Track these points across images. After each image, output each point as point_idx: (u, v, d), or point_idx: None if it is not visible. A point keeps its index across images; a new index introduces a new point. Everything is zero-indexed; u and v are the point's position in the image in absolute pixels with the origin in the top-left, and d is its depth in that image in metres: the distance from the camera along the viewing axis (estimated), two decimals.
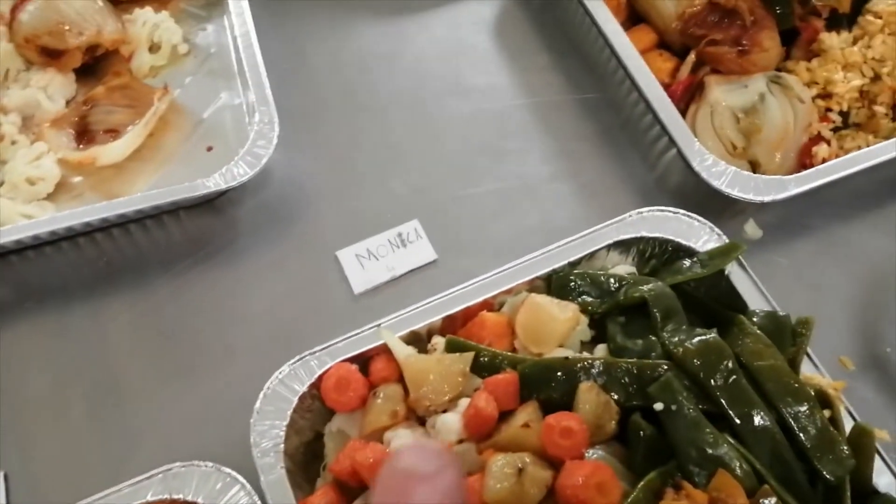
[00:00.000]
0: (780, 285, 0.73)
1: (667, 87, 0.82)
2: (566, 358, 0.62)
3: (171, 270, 0.78)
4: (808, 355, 0.65)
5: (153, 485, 0.60)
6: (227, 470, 0.60)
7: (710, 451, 0.57)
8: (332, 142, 0.88)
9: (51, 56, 0.88)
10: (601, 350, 0.65)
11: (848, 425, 0.62)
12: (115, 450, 0.69)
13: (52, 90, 0.87)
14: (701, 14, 0.81)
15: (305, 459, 0.66)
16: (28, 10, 0.88)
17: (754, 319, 0.66)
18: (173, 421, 0.71)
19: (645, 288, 0.65)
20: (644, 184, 0.85)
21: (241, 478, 0.60)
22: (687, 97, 0.83)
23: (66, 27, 0.88)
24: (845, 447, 0.59)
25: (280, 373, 0.64)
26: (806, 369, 0.65)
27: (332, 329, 0.73)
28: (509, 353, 0.64)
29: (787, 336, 0.65)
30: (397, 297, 0.78)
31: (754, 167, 0.81)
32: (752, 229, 0.80)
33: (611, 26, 0.85)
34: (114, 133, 0.85)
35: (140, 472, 0.61)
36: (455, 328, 0.69)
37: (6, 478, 0.68)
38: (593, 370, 0.61)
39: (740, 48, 0.80)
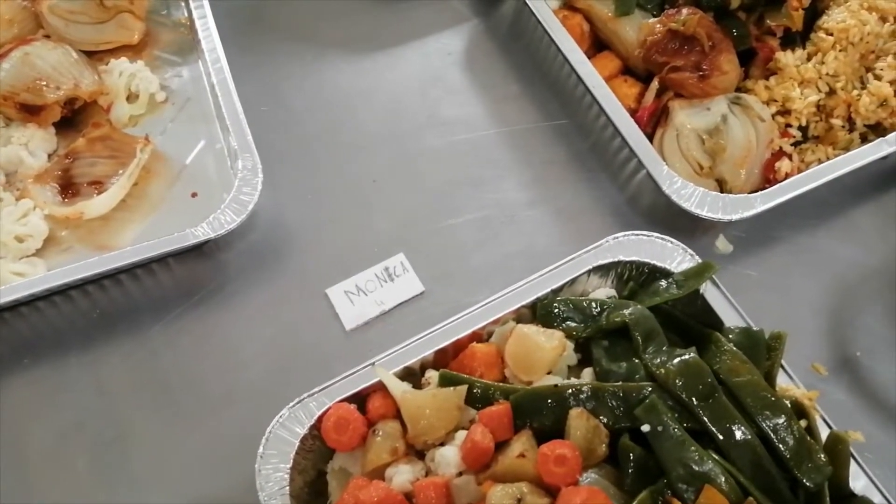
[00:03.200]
0: (751, 297, 0.76)
1: (633, 112, 0.86)
2: (555, 386, 0.65)
3: (164, 318, 0.80)
4: (783, 367, 0.69)
5: None
6: None
7: (696, 468, 0.60)
8: (314, 181, 0.90)
9: (30, 112, 0.89)
10: (588, 374, 0.68)
11: (823, 432, 0.66)
12: (121, 499, 0.71)
13: (33, 146, 0.89)
14: (662, 41, 0.85)
15: (309, 498, 0.68)
16: (4, 67, 0.89)
17: (730, 336, 0.69)
18: (177, 467, 0.72)
19: (626, 312, 0.68)
20: (617, 205, 0.89)
21: None
22: (653, 122, 0.86)
23: (44, 83, 0.89)
24: (822, 455, 0.62)
25: (281, 416, 0.66)
26: (781, 380, 0.69)
27: (327, 366, 0.76)
28: (501, 384, 0.66)
29: (762, 350, 0.68)
30: (388, 330, 0.81)
31: (721, 185, 0.84)
32: (722, 244, 0.84)
33: (575, 55, 0.88)
34: (98, 185, 0.86)
35: None
36: (447, 361, 0.71)
37: None
38: (582, 395, 0.64)
39: (701, 73, 0.84)
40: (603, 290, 0.75)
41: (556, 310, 0.72)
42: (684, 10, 0.86)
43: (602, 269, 0.75)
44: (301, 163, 0.91)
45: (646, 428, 0.61)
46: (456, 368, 0.69)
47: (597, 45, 0.94)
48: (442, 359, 0.71)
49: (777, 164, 0.85)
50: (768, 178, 0.85)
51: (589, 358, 0.70)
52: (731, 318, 0.72)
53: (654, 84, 0.86)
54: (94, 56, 0.97)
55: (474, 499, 0.60)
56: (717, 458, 0.61)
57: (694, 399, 0.63)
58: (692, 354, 0.65)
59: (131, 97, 0.94)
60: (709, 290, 0.73)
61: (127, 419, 0.75)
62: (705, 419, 0.62)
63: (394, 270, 0.84)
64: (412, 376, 0.71)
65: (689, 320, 0.72)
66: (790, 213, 0.85)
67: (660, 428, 0.61)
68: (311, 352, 0.79)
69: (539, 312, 0.72)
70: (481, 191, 0.89)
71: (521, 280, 0.74)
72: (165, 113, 0.94)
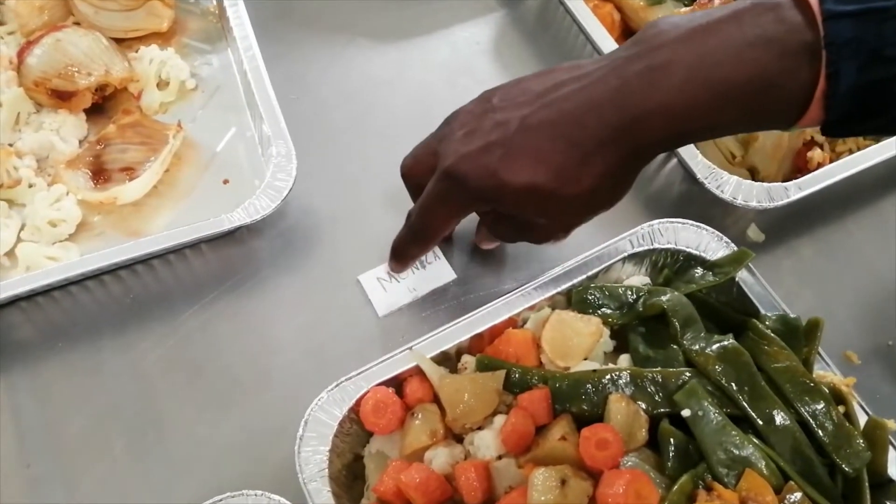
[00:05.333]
0: (784, 285, 0.77)
1: None
2: (594, 371, 0.65)
3: (198, 303, 0.80)
4: (819, 354, 0.69)
5: None
6: (277, 497, 0.62)
7: (737, 452, 0.60)
8: (344, 169, 0.90)
9: (61, 98, 0.89)
10: (624, 360, 0.68)
11: (861, 419, 0.66)
12: (159, 483, 0.71)
13: (64, 132, 0.89)
14: None
15: (347, 481, 0.68)
16: (35, 53, 0.90)
17: (766, 323, 0.69)
18: (214, 452, 0.73)
19: (663, 298, 0.68)
20: (646, 195, 0.89)
21: None
22: None
23: (75, 69, 0.89)
24: (861, 440, 0.62)
25: (319, 399, 0.67)
26: (817, 367, 0.69)
27: (360, 352, 0.77)
28: (539, 369, 0.67)
29: (800, 338, 0.68)
30: (421, 317, 0.81)
31: (753, 174, 0.84)
32: (754, 233, 0.84)
33: (608, 43, 0.89)
34: (129, 171, 0.86)
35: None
36: (482, 346, 0.72)
37: None
38: (620, 381, 0.64)
39: None
40: (637, 278, 0.76)
41: (592, 297, 0.72)
42: (716, 0, 0.86)
43: (637, 257, 0.75)
44: (331, 151, 0.92)
45: (686, 413, 0.62)
46: (491, 354, 0.69)
47: (626, 34, 0.94)
48: (477, 344, 0.72)
49: (809, 154, 0.85)
50: (799, 167, 0.85)
51: (624, 345, 0.70)
52: (765, 305, 0.72)
53: None
54: (122, 43, 0.97)
55: (514, 481, 0.61)
56: (757, 442, 0.61)
57: (734, 384, 0.63)
58: (731, 341, 0.65)
59: (161, 84, 0.94)
60: (744, 278, 0.73)
61: (162, 403, 0.76)
62: (745, 404, 0.63)
63: (426, 258, 0.84)
64: (448, 361, 0.71)
65: (724, 308, 0.72)
66: (820, 202, 0.85)
67: (700, 413, 0.62)
68: (344, 338, 0.80)
69: (574, 299, 0.72)
70: None
71: (552, 267, 0.74)
72: (195, 100, 0.95)
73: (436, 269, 0.83)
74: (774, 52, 0.53)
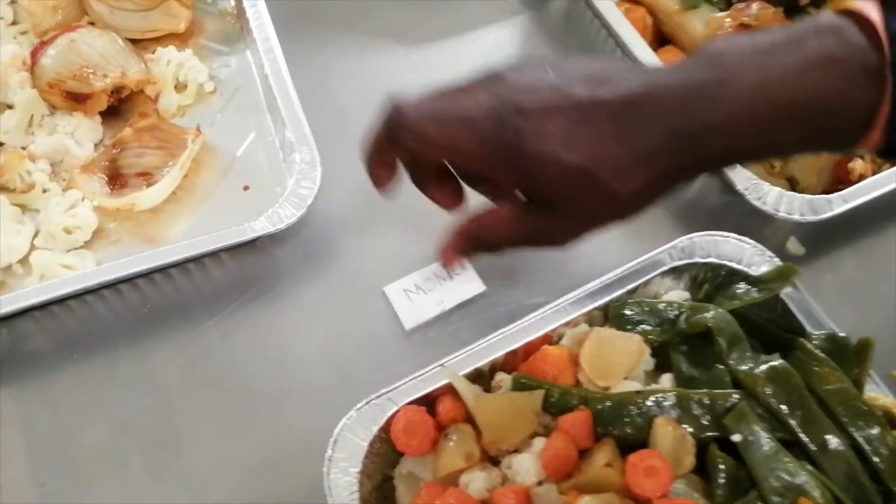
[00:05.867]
0: (825, 301, 0.73)
1: None
2: (638, 392, 0.62)
3: (217, 314, 0.78)
4: (870, 375, 0.66)
5: None
6: None
7: (790, 479, 0.57)
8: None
9: (76, 100, 0.87)
10: (667, 380, 0.65)
11: None
12: (177, 500, 0.68)
13: (79, 135, 0.86)
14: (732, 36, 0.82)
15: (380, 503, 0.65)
16: (49, 54, 0.87)
17: (814, 342, 0.66)
18: (235, 469, 0.70)
19: (708, 315, 0.65)
20: (680, 206, 0.86)
21: None
22: None
23: (91, 70, 0.87)
24: None
25: (349, 418, 0.64)
26: (867, 389, 0.66)
27: (387, 367, 0.74)
28: (579, 389, 0.64)
29: (850, 357, 0.65)
30: (449, 330, 0.78)
31: (792, 184, 0.82)
32: (794, 246, 0.81)
33: (641, 50, 0.86)
34: (146, 176, 0.84)
35: None
36: (516, 363, 0.69)
37: None
38: (666, 403, 0.61)
39: None
40: (676, 293, 0.73)
41: (630, 312, 0.69)
42: (755, 5, 0.83)
43: (676, 271, 0.72)
44: (354, 157, 0.87)
45: (737, 437, 0.59)
46: (526, 371, 0.66)
47: (659, 39, 0.92)
48: (511, 361, 0.69)
49: (850, 165, 0.82)
50: (840, 178, 0.83)
51: (664, 363, 0.68)
52: (811, 323, 0.69)
53: None
54: (138, 44, 0.94)
55: None
56: (811, 469, 0.58)
57: (784, 407, 0.60)
58: (781, 361, 0.62)
59: (179, 87, 0.92)
60: (788, 294, 0.70)
61: (179, 417, 0.73)
62: (797, 429, 0.60)
63: (453, 269, 0.81)
64: (481, 378, 0.68)
65: (768, 325, 0.69)
66: (862, 214, 0.82)
67: (751, 437, 0.59)
68: (370, 352, 0.77)
69: (612, 315, 0.69)
70: None
71: (584, 281, 0.72)
72: (214, 104, 0.92)
73: (464, 281, 0.80)
74: (837, 74, 0.52)
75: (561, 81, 0.59)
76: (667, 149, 0.56)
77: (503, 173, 0.60)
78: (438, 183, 0.65)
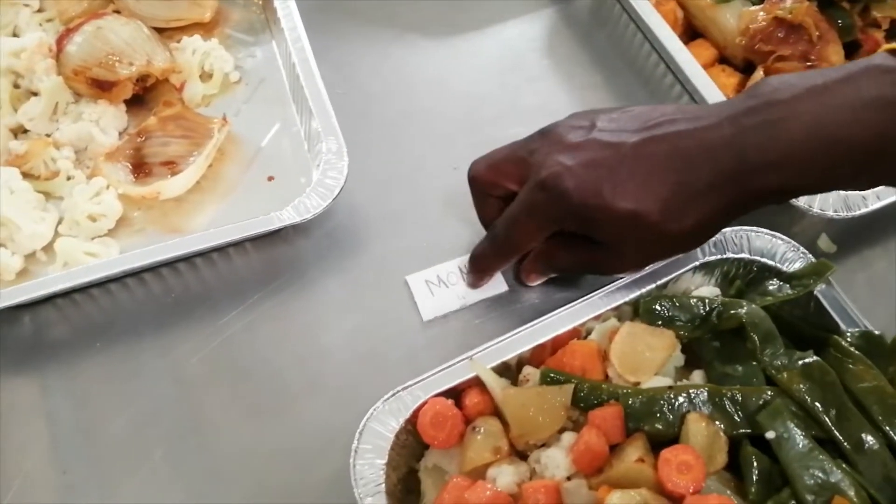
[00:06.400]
0: (857, 299, 0.72)
1: None
2: (670, 387, 0.61)
3: (242, 304, 0.77)
4: None
5: None
6: None
7: (825, 477, 0.56)
8: (393, 167, 0.87)
9: (101, 88, 0.86)
10: (698, 376, 0.64)
11: None
12: (201, 492, 0.68)
13: (104, 123, 0.86)
14: (767, 30, 0.81)
15: (402, 496, 0.64)
16: (75, 41, 0.87)
17: (848, 339, 0.65)
18: (259, 462, 0.69)
19: (741, 311, 0.64)
20: None
21: None
22: None
23: (116, 58, 0.86)
24: None
25: (375, 409, 0.63)
26: None
27: (410, 358, 0.74)
28: (609, 384, 0.63)
29: (884, 356, 0.64)
30: (468, 326, 0.77)
31: None
32: (825, 243, 0.80)
33: (673, 43, 0.85)
34: (170, 165, 0.83)
35: None
36: (543, 357, 0.68)
37: None
38: (698, 399, 0.60)
39: (808, 63, 0.80)
40: (707, 289, 0.72)
41: (660, 308, 0.68)
42: (788, 0, 0.82)
43: (707, 267, 0.71)
44: (379, 148, 0.88)
45: (770, 435, 0.58)
46: (554, 366, 0.66)
47: (689, 33, 0.91)
48: (539, 355, 0.68)
49: None
50: None
51: (693, 360, 0.67)
52: (845, 321, 0.68)
53: (759, 73, 0.82)
54: (164, 33, 0.94)
55: (587, 503, 0.57)
56: (846, 467, 0.57)
57: (819, 405, 0.59)
58: (815, 358, 0.61)
59: (204, 76, 0.91)
60: (822, 292, 0.69)
61: (204, 408, 0.72)
62: (832, 427, 0.59)
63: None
64: (508, 372, 0.67)
65: (800, 322, 0.68)
66: (893, 212, 0.81)
67: (785, 435, 0.58)
68: (392, 343, 0.76)
69: (642, 310, 0.68)
70: None
71: (605, 283, 0.71)
72: (238, 94, 0.91)
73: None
74: (891, 114, 0.55)
75: (609, 132, 0.64)
76: (717, 188, 0.59)
77: (556, 223, 0.66)
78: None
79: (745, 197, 0.60)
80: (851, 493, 0.56)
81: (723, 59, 0.88)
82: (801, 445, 0.57)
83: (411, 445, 0.65)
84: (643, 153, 0.61)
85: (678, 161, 0.60)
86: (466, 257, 0.78)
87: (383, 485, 0.60)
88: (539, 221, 0.67)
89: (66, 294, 0.76)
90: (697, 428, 0.58)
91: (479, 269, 0.76)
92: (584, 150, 0.63)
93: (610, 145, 0.63)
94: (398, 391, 0.64)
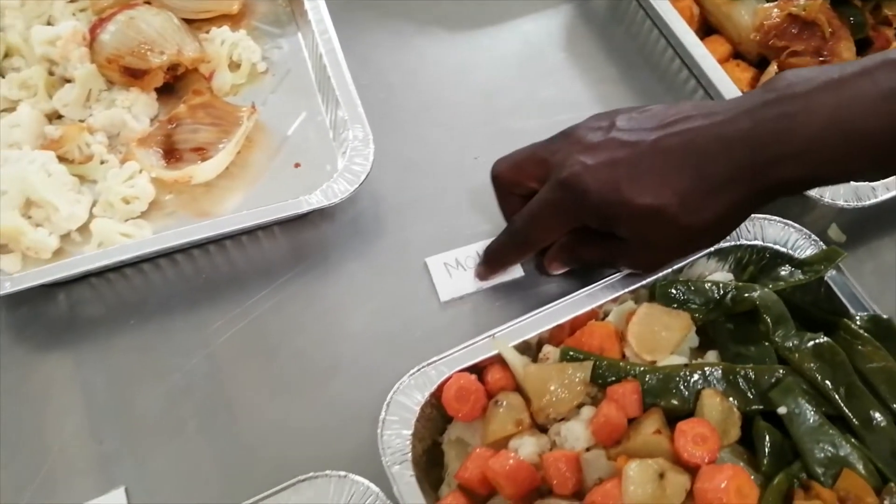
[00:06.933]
0: (866, 288, 0.75)
1: None
2: (686, 365, 0.64)
3: (269, 286, 0.80)
4: None
5: (288, 496, 0.61)
6: (360, 478, 0.62)
7: (835, 451, 0.59)
8: (415, 155, 0.90)
9: (133, 76, 0.89)
10: (712, 356, 0.67)
11: None
12: (233, 464, 0.70)
13: (136, 109, 0.89)
14: (781, 26, 0.84)
15: (427, 467, 0.67)
16: (109, 30, 0.89)
17: (857, 322, 0.68)
18: (287, 435, 0.72)
19: (755, 295, 0.67)
20: None
21: (374, 486, 0.61)
22: None
23: (148, 47, 0.89)
24: None
25: (401, 383, 0.66)
26: None
27: (424, 338, 0.77)
28: (626, 362, 0.65)
29: (893, 339, 0.67)
30: (484, 308, 0.80)
31: None
32: (835, 233, 0.83)
33: (689, 37, 0.87)
34: (200, 151, 0.86)
35: (263, 484, 0.62)
36: (562, 337, 0.70)
37: (127, 492, 0.69)
38: (712, 376, 0.63)
39: (821, 58, 0.83)
40: (720, 275, 0.74)
41: (676, 291, 0.70)
42: None
43: (721, 253, 0.74)
44: (401, 137, 0.91)
45: (782, 410, 0.60)
46: (573, 345, 0.68)
47: (704, 29, 0.93)
48: (558, 335, 0.71)
49: None
50: None
51: (707, 342, 0.69)
52: (854, 306, 0.71)
53: (773, 68, 0.84)
54: (192, 25, 0.96)
55: (605, 473, 0.59)
56: (855, 442, 0.59)
57: (829, 383, 0.62)
58: (826, 338, 0.64)
59: (232, 66, 0.94)
60: (832, 278, 0.72)
61: (234, 384, 0.75)
62: (841, 404, 0.61)
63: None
64: (528, 351, 0.70)
65: (811, 307, 0.71)
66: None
67: (796, 410, 0.60)
68: (413, 323, 0.79)
69: (658, 293, 0.71)
70: None
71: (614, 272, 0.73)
72: (265, 84, 0.94)
73: None
74: None
75: (627, 131, 0.66)
76: (736, 181, 0.61)
77: (576, 221, 0.68)
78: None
79: (762, 189, 0.62)
80: (860, 466, 0.58)
81: (737, 55, 0.91)
82: (811, 421, 0.60)
83: (435, 419, 0.68)
84: (660, 149, 0.63)
85: (696, 156, 0.62)
86: (485, 242, 0.81)
87: (410, 454, 0.63)
88: (558, 219, 0.69)
89: (100, 273, 0.79)
90: (712, 403, 0.60)
91: (494, 260, 0.78)
92: (603, 150, 0.65)
93: (628, 144, 0.65)
94: (423, 367, 0.67)
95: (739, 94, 0.84)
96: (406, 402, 0.65)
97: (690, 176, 0.62)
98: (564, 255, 0.75)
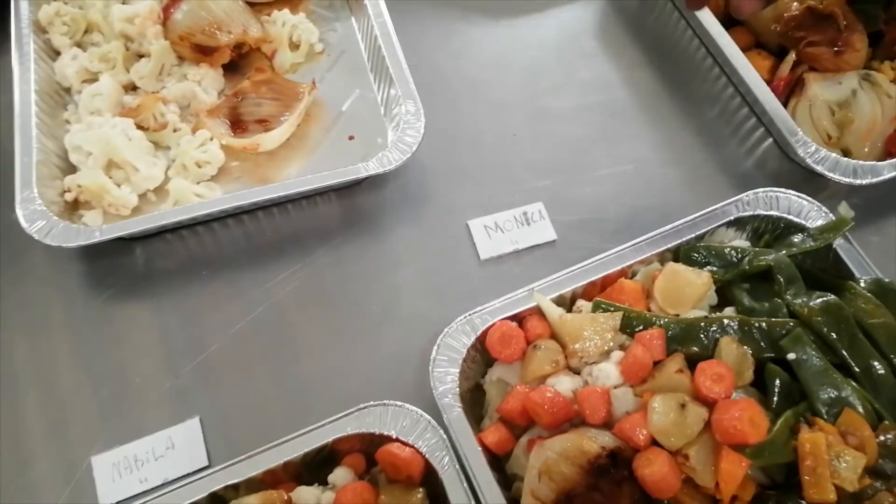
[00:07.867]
0: (873, 259, 0.82)
1: (767, 83, 0.92)
2: (706, 316, 0.71)
3: (327, 244, 0.88)
4: None
5: (350, 421, 0.69)
6: (414, 408, 0.70)
7: (837, 393, 0.66)
8: (459, 132, 0.97)
9: (203, 52, 0.97)
10: (730, 311, 0.74)
11: None
12: (297, 398, 0.79)
13: (205, 83, 0.97)
14: (800, 17, 0.91)
15: (471, 404, 0.75)
16: (182, 9, 0.98)
17: (862, 285, 0.75)
18: (345, 374, 0.80)
19: (769, 257, 0.74)
20: (742, 170, 0.95)
21: (426, 415, 0.69)
22: (787, 92, 0.92)
23: (216, 27, 0.97)
24: None
25: (450, 328, 0.74)
26: None
27: (465, 292, 0.85)
28: (652, 314, 0.73)
29: (893, 299, 0.74)
30: (519, 267, 0.88)
31: (846, 154, 0.90)
32: (844, 210, 0.89)
33: (715, 28, 0.95)
34: (264, 123, 0.94)
35: (323, 415, 0.70)
36: (594, 293, 0.78)
37: (201, 421, 0.77)
38: (729, 327, 0.70)
39: (836, 49, 0.90)
40: (738, 242, 0.82)
41: (698, 255, 0.78)
42: None
43: (740, 222, 0.81)
44: (447, 115, 0.99)
45: (791, 356, 0.68)
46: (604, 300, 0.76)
47: (726, 21, 1.00)
48: (590, 291, 0.78)
49: None
50: (890, 151, 0.91)
51: (726, 301, 0.77)
52: (860, 271, 0.78)
53: (791, 57, 0.92)
54: (254, 7, 1.05)
55: (632, 407, 0.67)
56: (856, 386, 0.67)
57: (834, 335, 0.69)
58: (832, 296, 0.71)
59: (292, 46, 1.02)
60: (840, 245, 0.79)
61: (296, 331, 0.83)
62: (845, 353, 0.69)
63: (531, 216, 0.91)
64: (562, 304, 0.78)
65: (820, 272, 0.78)
66: None
67: (804, 357, 0.68)
68: (453, 278, 0.87)
69: (682, 256, 0.79)
70: (615, 148, 0.96)
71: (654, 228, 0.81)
72: (322, 63, 1.02)
73: (539, 228, 0.90)
74: None
75: None
76: None
77: None
78: None
79: None
80: (859, 406, 0.66)
81: (758, 44, 0.98)
82: (817, 365, 0.67)
83: (478, 362, 0.76)
84: None
85: None
86: (520, 208, 0.90)
87: (457, 389, 0.71)
88: None
89: (174, 230, 0.88)
90: (729, 349, 0.68)
91: None
92: None
93: None
94: (469, 315, 0.75)
95: (762, 80, 0.91)
96: (454, 343, 0.73)
97: None
98: None
